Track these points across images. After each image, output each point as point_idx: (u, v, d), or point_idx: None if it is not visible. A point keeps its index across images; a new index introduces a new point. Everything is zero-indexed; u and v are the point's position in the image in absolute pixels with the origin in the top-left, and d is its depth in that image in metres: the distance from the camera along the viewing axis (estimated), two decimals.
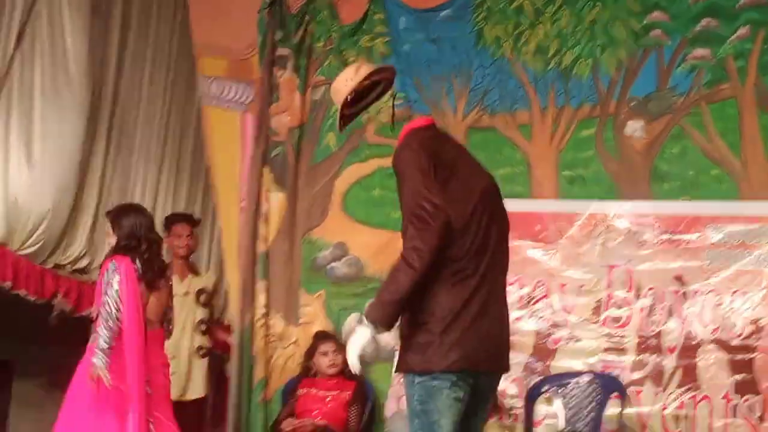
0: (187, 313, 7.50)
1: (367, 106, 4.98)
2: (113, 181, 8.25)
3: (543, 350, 6.72)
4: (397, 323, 4.35)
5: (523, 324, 6.83)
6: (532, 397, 6.46)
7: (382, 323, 4.33)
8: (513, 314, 6.66)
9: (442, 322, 4.36)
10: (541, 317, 6.80)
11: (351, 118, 4.99)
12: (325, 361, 7.00)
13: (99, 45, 8.08)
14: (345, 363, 5.82)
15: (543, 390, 6.46)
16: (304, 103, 7.91)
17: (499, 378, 4.67)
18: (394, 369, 4.49)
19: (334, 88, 4.90)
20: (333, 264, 7.61)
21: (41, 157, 7.49)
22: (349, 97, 4.82)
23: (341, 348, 6.76)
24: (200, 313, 7.57)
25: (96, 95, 8.03)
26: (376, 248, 7.40)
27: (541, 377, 6.59)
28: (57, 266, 7.65)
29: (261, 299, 7.69)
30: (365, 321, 4.35)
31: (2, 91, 7.29)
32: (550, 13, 7.29)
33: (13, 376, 7.94)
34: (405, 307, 4.32)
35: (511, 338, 6.47)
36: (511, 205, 6.86)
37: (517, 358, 6.71)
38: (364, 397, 6.98)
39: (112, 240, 6.06)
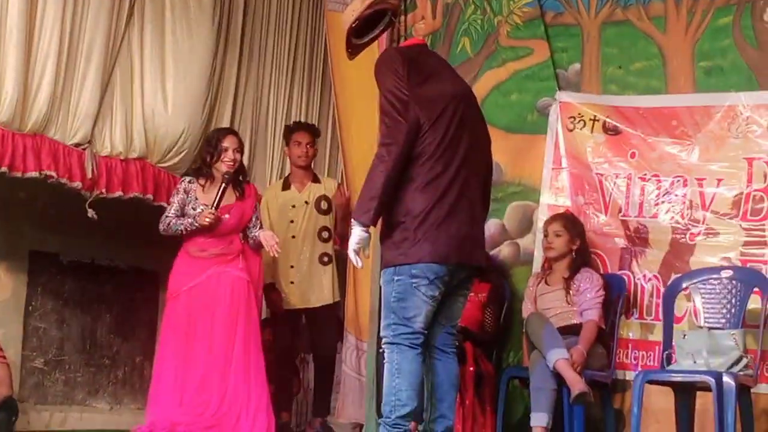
0: (308, 221, 7.57)
1: (375, 36, 5.37)
2: (246, 93, 8.31)
3: (681, 246, 6.57)
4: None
5: (660, 220, 6.68)
6: (671, 293, 6.33)
7: (365, 220, 4.80)
8: (650, 210, 6.73)
9: (415, 219, 4.79)
10: (678, 213, 6.63)
11: (361, 47, 5.38)
12: None
13: None
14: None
15: (683, 286, 6.32)
16: (435, 8, 7.83)
17: (473, 271, 5.09)
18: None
19: (342, 18, 5.30)
20: None
21: (175, 72, 7.58)
22: (353, 24, 5.20)
23: None
24: (322, 221, 7.62)
25: (226, 7, 8.08)
26: (515, 153, 7.33)
27: (680, 274, 6.45)
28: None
29: None
30: (353, 221, 4.84)
31: (135, 7, 7.38)
32: None
33: (159, 286, 8.20)
34: (384, 208, 4.80)
35: (649, 236, 6.63)
36: (646, 101, 6.91)
37: (654, 255, 6.64)
38: (500, 298, 6.95)
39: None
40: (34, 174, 6.79)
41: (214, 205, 6.71)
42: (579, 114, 7.04)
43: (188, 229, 6.73)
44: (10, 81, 6.58)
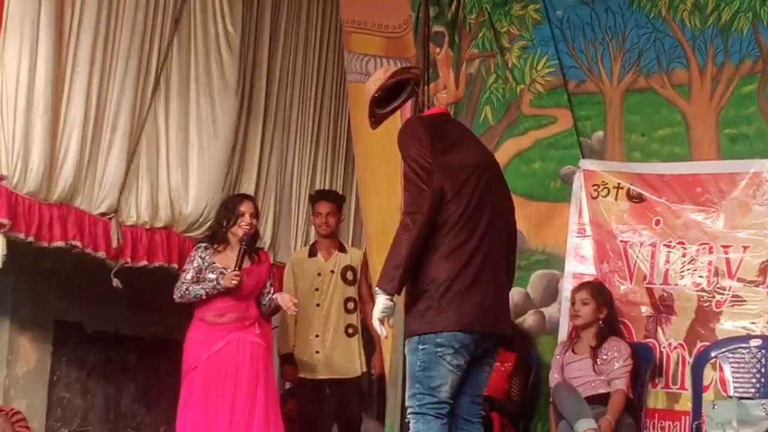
0: (333, 291, 7.53)
1: (398, 106, 5.47)
2: (271, 162, 8.35)
3: (707, 314, 6.52)
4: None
5: (685, 288, 6.64)
6: (700, 363, 6.29)
7: (390, 288, 4.79)
8: (675, 278, 6.69)
9: (440, 288, 4.78)
10: (703, 280, 6.59)
11: (384, 117, 5.46)
12: None
13: (251, 26, 8.17)
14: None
15: (711, 356, 6.27)
16: (458, 78, 7.87)
17: (498, 339, 5.07)
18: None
19: (365, 88, 5.39)
20: None
21: (198, 142, 7.64)
22: (376, 94, 5.27)
23: None
24: (347, 291, 7.58)
25: (250, 77, 8.15)
26: (538, 221, 7.34)
27: (708, 343, 6.40)
28: None
29: None
30: (377, 290, 4.84)
31: (160, 78, 7.45)
32: None
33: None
34: (409, 276, 4.80)
35: (675, 303, 6.59)
36: (670, 168, 6.90)
37: (680, 323, 6.59)
38: (527, 368, 6.90)
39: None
40: (60, 244, 6.81)
41: (237, 266, 6.72)
42: (603, 182, 7.05)
43: (210, 293, 6.72)
44: (36, 151, 6.61)
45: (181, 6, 7.59)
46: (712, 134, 6.80)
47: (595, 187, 7.07)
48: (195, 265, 6.81)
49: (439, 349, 4.78)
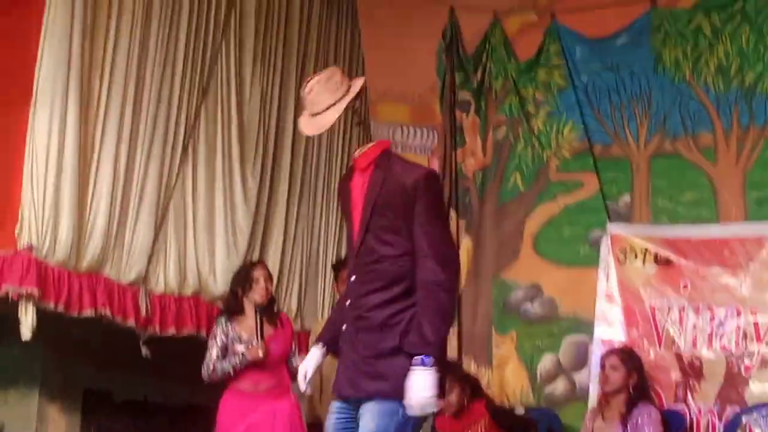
0: None
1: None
2: (296, 229, 8.37)
3: (736, 378, 6.47)
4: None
5: (714, 352, 6.58)
6: (731, 429, 6.21)
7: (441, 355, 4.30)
8: (704, 342, 6.63)
9: None
10: (732, 344, 6.53)
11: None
12: None
13: (274, 94, 8.25)
14: None
15: (742, 421, 6.20)
16: (486, 144, 7.90)
17: (362, 405, 4.28)
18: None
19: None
20: (525, 304, 7.52)
21: (224, 209, 7.68)
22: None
23: None
24: None
25: (271, 146, 8.20)
26: (568, 286, 7.34)
27: (738, 407, 6.32)
28: None
29: (452, 342, 7.64)
30: (427, 359, 4.14)
31: (188, 147, 7.52)
32: (729, 32, 7.09)
33: (213, 422, 8.15)
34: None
35: (704, 368, 6.52)
36: (697, 231, 6.87)
37: (709, 388, 6.52)
38: None
39: None
40: (89, 313, 6.83)
41: (259, 336, 6.67)
42: (630, 246, 7.03)
43: (238, 368, 6.66)
44: (65, 220, 6.65)
45: (209, 77, 7.67)
46: (738, 197, 6.79)
47: (623, 251, 7.05)
48: (219, 341, 6.70)
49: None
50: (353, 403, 4.26)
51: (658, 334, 6.80)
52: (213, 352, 6.69)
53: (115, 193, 7.01)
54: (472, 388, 6.84)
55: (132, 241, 7.14)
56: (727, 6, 7.13)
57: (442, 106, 8.07)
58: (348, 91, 4.37)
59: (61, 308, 6.66)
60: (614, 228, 7.15)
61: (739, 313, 6.56)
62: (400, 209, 4.21)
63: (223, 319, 6.80)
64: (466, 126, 7.99)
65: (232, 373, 6.66)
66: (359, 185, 4.35)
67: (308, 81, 4.45)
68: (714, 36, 7.14)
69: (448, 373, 6.72)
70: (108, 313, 6.91)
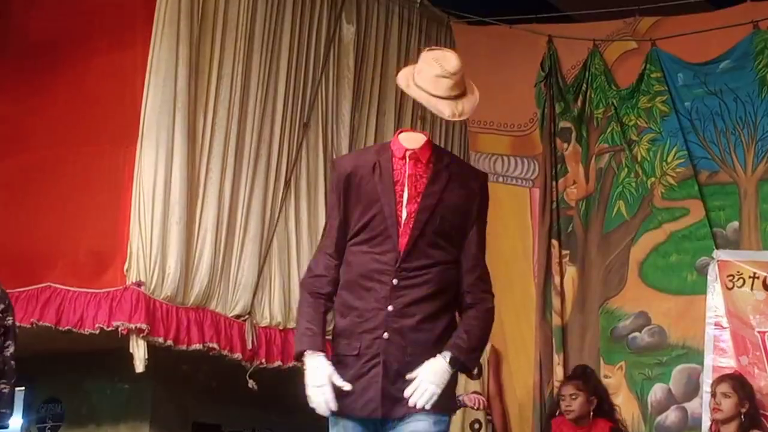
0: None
1: None
2: None
3: None
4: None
5: None
6: None
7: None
8: None
9: None
10: None
11: None
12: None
13: (372, 127, 8.28)
14: None
15: None
16: (588, 172, 7.85)
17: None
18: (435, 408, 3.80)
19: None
20: (634, 333, 7.44)
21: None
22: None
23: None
24: (470, 385, 7.31)
25: None
26: (677, 315, 7.28)
27: None
28: None
29: (558, 373, 7.58)
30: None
31: (290, 181, 7.60)
32: None
33: None
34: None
35: None
36: None
37: None
38: None
39: None
40: (197, 347, 6.93)
41: None
42: (738, 272, 6.94)
43: None
44: (172, 256, 6.78)
45: (310, 111, 7.75)
46: None
47: (731, 278, 6.95)
48: None
49: None
50: (378, 424, 3.87)
51: None
52: None
53: (220, 227, 7.13)
54: (600, 400, 6.73)
55: (237, 274, 7.24)
56: None
57: (542, 136, 8.04)
58: (467, 84, 3.99)
59: (169, 342, 6.77)
60: (722, 254, 7.05)
61: None
62: (463, 215, 3.90)
63: None
64: (568, 155, 7.96)
65: None
66: (407, 176, 3.90)
67: (444, 51, 4.08)
68: None
69: (581, 376, 6.79)
70: (216, 346, 7.01)
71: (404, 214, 3.85)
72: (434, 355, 3.78)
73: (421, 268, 3.83)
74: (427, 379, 3.74)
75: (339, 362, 3.86)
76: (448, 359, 3.77)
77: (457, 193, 3.88)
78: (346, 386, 3.79)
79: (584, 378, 6.82)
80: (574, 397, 6.65)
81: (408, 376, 3.76)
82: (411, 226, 3.84)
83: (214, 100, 7.14)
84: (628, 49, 7.82)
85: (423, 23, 8.50)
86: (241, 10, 7.36)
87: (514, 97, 8.13)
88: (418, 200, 3.86)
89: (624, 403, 7.31)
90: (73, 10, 7.32)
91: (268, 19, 7.52)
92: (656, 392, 7.01)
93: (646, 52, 7.66)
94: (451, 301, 3.90)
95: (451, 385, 3.85)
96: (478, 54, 8.17)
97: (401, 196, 3.88)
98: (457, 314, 3.95)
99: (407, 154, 3.93)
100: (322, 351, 3.88)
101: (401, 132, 4.05)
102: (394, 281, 3.83)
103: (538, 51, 8.05)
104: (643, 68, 7.66)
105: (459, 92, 3.92)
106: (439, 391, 3.74)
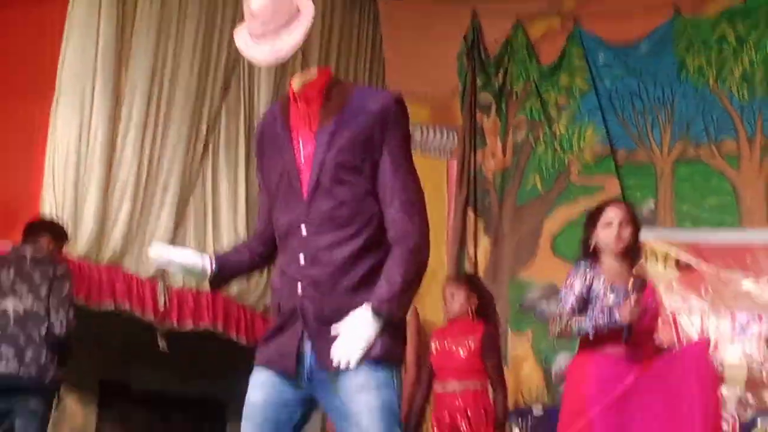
0: None
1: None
2: None
3: (757, 384, 6.48)
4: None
5: (735, 357, 6.60)
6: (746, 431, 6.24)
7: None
8: (725, 347, 6.65)
9: None
10: (754, 349, 6.55)
11: None
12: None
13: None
14: None
15: (759, 425, 6.22)
16: (505, 145, 7.91)
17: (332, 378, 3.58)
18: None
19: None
20: (542, 303, 7.53)
21: (246, 208, 7.69)
22: None
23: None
24: None
25: None
26: None
27: (755, 411, 6.35)
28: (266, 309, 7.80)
29: None
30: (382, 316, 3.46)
31: (209, 142, 7.54)
32: (754, 40, 7.13)
33: (229, 416, 8.19)
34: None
35: (725, 373, 6.55)
36: (720, 236, 6.88)
37: (730, 392, 6.53)
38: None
39: None
40: (109, 306, 6.85)
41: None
42: (651, 250, 7.03)
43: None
44: (89, 213, 6.68)
45: (230, 73, 7.69)
46: (761, 203, 6.83)
47: (644, 255, 7.05)
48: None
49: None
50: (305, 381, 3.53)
51: (678, 338, 6.82)
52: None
53: (138, 188, 7.01)
54: (483, 303, 6.29)
55: (153, 235, 7.14)
56: (751, 14, 7.16)
57: (462, 108, 8.08)
58: (299, 11, 3.56)
59: (81, 301, 6.69)
60: None
61: (761, 319, 6.58)
62: (364, 143, 3.50)
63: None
64: (487, 127, 8.01)
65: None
66: (303, 118, 3.58)
67: None
68: (738, 44, 7.17)
69: (468, 281, 6.45)
70: (127, 306, 6.94)
71: (302, 159, 3.56)
72: (361, 304, 3.43)
73: (329, 211, 3.50)
74: (348, 335, 3.42)
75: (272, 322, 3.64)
76: (370, 309, 3.41)
77: (354, 121, 3.51)
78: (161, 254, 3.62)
79: (467, 279, 6.47)
80: (452, 296, 6.23)
81: (332, 333, 3.44)
82: (309, 169, 3.53)
83: (136, 59, 7.01)
84: (551, 27, 7.90)
85: None
86: None
87: (436, 68, 8.15)
88: (314, 140, 3.55)
89: (529, 373, 7.42)
90: None
91: None
92: (561, 361, 7.08)
93: (569, 30, 7.75)
94: (374, 239, 3.49)
95: (389, 333, 3.46)
96: (401, 26, 8.21)
97: (297, 142, 3.59)
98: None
99: (296, 95, 3.59)
100: (210, 255, 3.68)
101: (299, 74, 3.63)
102: (303, 231, 3.51)
103: (462, 24, 8.08)
104: (565, 46, 7.75)
105: (276, 25, 3.52)
106: (364, 344, 3.40)
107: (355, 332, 3.41)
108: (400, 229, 3.47)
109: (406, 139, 3.57)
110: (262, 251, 3.74)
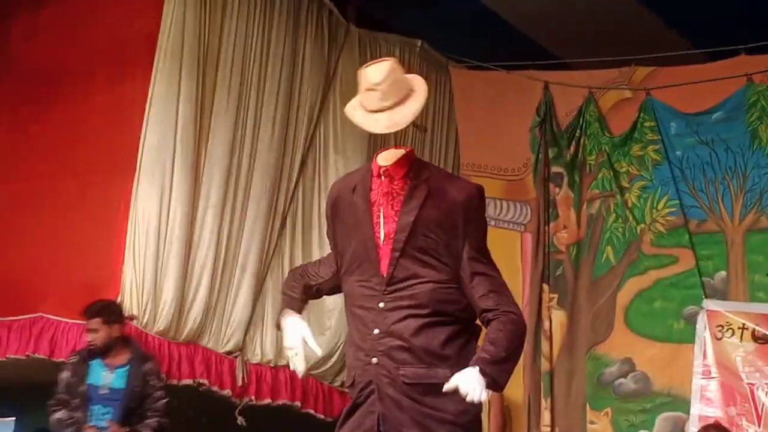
0: None
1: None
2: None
3: None
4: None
5: None
6: None
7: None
8: None
9: None
10: None
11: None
12: None
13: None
14: None
15: None
16: (579, 218, 7.91)
17: None
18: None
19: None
20: (620, 379, 7.47)
21: None
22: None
23: None
24: None
25: None
26: (662, 362, 7.30)
27: None
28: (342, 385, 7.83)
29: (545, 417, 7.61)
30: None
31: (287, 220, 7.64)
32: None
33: None
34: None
35: None
36: None
37: None
38: None
39: None
40: (188, 382, 6.93)
41: None
42: (727, 322, 6.99)
43: None
44: (168, 291, 6.79)
45: (308, 149, 7.80)
46: None
47: (720, 328, 7.00)
48: None
49: None
50: None
51: (756, 412, 6.73)
52: None
53: (216, 263, 7.14)
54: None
55: (231, 311, 7.23)
56: None
57: (535, 181, 8.09)
58: (413, 89, 3.69)
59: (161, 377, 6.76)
60: (711, 304, 7.12)
61: None
62: (447, 230, 3.59)
63: None
64: (560, 200, 8.01)
65: None
66: (385, 195, 3.65)
67: (374, 64, 3.74)
68: None
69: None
70: (206, 382, 7.01)
71: (382, 236, 3.62)
72: (439, 365, 3.54)
73: (408, 288, 3.57)
74: (465, 379, 3.44)
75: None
76: (477, 370, 3.46)
77: (437, 207, 3.62)
78: (317, 351, 3.78)
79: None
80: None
81: (445, 389, 3.46)
82: (390, 247, 3.60)
83: (214, 136, 7.15)
84: (622, 98, 7.91)
85: (423, 66, 8.53)
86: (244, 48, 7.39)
87: (508, 141, 8.20)
88: (396, 219, 3.62)
89: None
90: (74, 40, 7.32)
91: (263, 56, 7.53)
92: None
93: (640, 101, 7.75)
94: (449, 320, 3.59)
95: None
96: (474, 98, 8.26)
97: (378, 217, 3.65)
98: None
99: (381, 171, 3.68)
100: (298, 312, 3.80)
101: (383, 150, 3.77)
102: (380, 304, 3.57)
103: (534, 97, 8.13)
104: (637, 117, 7.74)
105: (394, 101, 3.65)
106: (480, 388, 3.43)
107: (470, 378, 3.43)
108: (500, 306, 3.57)
109: (486, 229, 3.69)
110: (317, 295, 3.90)
